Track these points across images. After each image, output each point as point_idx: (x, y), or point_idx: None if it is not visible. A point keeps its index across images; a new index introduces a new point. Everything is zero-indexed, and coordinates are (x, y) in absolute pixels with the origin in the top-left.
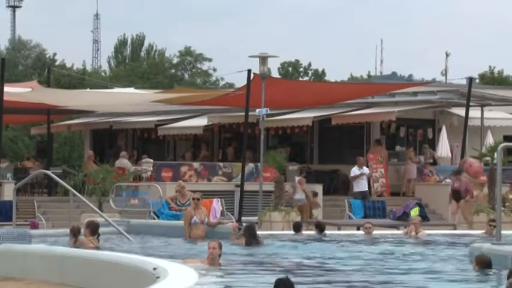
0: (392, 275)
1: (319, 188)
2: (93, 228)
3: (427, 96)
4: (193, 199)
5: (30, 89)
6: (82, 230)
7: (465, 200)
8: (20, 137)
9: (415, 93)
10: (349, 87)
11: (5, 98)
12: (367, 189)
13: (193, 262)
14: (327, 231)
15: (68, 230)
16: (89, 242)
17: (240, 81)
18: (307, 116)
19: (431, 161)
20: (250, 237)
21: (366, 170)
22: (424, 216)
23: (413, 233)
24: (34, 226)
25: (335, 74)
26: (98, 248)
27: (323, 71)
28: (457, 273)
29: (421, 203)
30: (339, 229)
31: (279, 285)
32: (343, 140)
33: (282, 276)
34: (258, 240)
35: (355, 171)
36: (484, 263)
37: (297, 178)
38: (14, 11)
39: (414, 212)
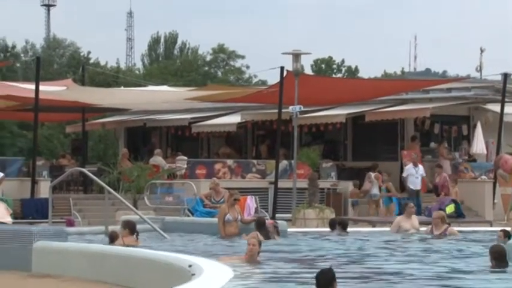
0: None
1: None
2: (131, 227)
3: (461, 92)
4: (234, 199)
5: (65, 88)
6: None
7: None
8: (55, 135)
9: (449, 90)
10: (383, 83)
11: (41, 96)
12: (420, 187)
13: (229, 259)
14: (361, 229)
15: (103, 228)
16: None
17: (273, 79)
18: (340, 112)
19: (466, 157)
20: (261, 231)
21: (421, 169)
22: (459, 213)
23: (436, 231)
24: (70, 224)
25: (368, 70)
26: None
27: (356, 67)
28: (471, 269)
29: (456, 200)
30: (374, 226)
31: (319, 276)
32: (376, 137)
33: (324, 268)
34: (269, 236)
35: (410, 169)
36: (496, 253)
37: (372, 174)
38: (49, 10)
39: (450, 208)
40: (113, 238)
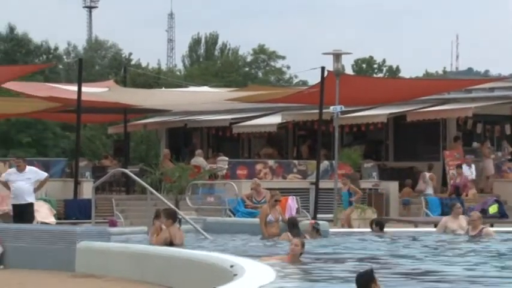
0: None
1: (394, 186)
2: (173, 216)
3: (504, 91)
4: (275, 200)
5: (107, 89)
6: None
7: None
8: (97, 136)
9: (491, 89)
10: (424, 83)
11: (83, 97)
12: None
13: (271, 259)
14: (403, 229)
15: (145, 228)
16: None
17: (314, 79)
18: (382, 112)
19: (509, 157)
20: (292, 231)
21: (474, 169)
22: (503, 214)
23: (472, 231)
24: (112, 224)
25: (410, 70)
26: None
27: (397, 67)
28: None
29: (499, 200)
30: (416, 226)
31: (359, 277)
32: (418, 137)
33: (365, 269)
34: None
35: (466, 170)
36: None
37: (427, 174)
38: (91, 12)
39: (493, 209)
40: (157, 215)
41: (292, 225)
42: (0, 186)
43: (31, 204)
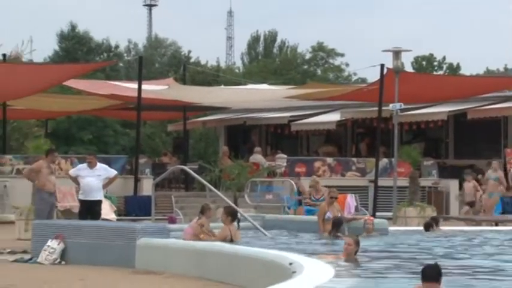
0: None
1: (454, 184)
2: (233, 214)
3: None
4: (331, 197)
5: (166, 86)
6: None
7: None
8: (157, 133)
9: None
10: (485, 80)
11: (143, 95)
12: None
13: (329, 257)
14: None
15: None
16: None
17: (373, 76)
18: (442, 110)
19: None
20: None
21: None
22: None
23: None
24: (172, 221)
25: (470, 67)
26: (236, 237)
27: (458, 64)
28: None
29: None
30: (479, 225)
31: (426, 270)
32: (479, 135)
33: (431, 263)
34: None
35: None
36: None
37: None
38: (150, 10)
39: None
40: (203, 210)
41: (336, 226)
42: (60, 182)
43: (99, 202)
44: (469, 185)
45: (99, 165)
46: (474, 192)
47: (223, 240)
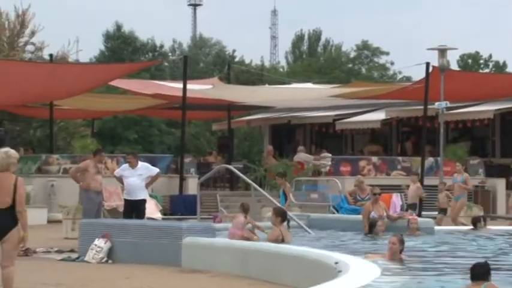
0: None
1: (501, 183)
2: (283, 215)
3: None
4: (374, 194)
5: (211, 86)
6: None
7: None
8: (201, 132)
9: None
10: None
11: (188, 94)
12: None
13: (374, 257)
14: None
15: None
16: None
17: (418, 75)
18: (488, 108)
19: None
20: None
21: None
22: None
23: None
24: (217, 220)
25: None
26: (287, 237)
27: (504, 62)
28: None
29: None
30: None
31: (475, 267)
32: None
33: (480, 261)
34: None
35: None
36: None
37: None
38: (195, 9)
39: None
40: (244, 209)
41: (370, 226)
42: (107, 181)
43: (143, 201)
44: None
45: (141, 164)
46: None
47: (275, 241)
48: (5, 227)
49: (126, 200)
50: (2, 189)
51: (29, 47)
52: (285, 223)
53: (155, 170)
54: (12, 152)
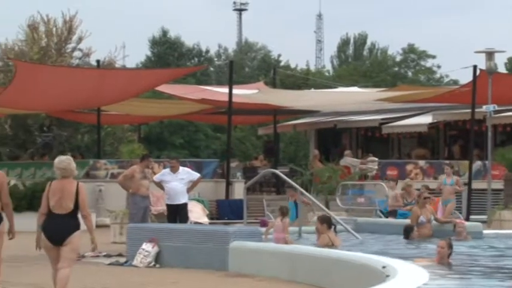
0: None
1: None
2: (328, 221)
3: None
4: (425, 198)
5: (257, 91)
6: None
7: None
8: (247, 137)
9: None
10: None
11: (234, 99)
12: None
13: (422, 261)
14: None
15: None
16: (326, 237)
17: (465, 78)
18: None
19: None
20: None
21: None
22: None
23: None
24: (264, 224)
25: None
26: (336, 242)
27: None
28: None
29: None
30: None
31: None
32: None
33: None
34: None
35: None
36: None
37: None
38: (240, 14)
39: None
40: (282, 213)
41: (406, 232)
42: (154, 187)
43: (185, 205)
44: None
45: (182, 169)
46: None
47: (325, 247)
48: (67, 231)
49: (168, 205)
50: (64, 195)
51: (77, 53)
52: (332, 229)
53: (196, 175)
54: (66, 157)
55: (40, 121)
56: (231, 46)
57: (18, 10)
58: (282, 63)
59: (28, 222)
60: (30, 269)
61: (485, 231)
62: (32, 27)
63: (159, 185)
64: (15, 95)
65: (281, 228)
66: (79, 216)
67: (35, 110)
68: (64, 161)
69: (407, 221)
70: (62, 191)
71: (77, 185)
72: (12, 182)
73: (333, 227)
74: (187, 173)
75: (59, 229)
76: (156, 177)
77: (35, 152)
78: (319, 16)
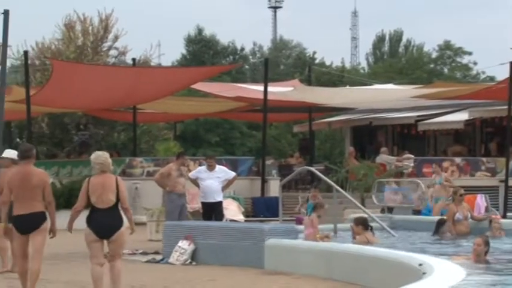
0: None
1: None
2: (365, 223)
3: None
4: (460, 195)
5: (292, 88)
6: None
7: None
8: (283, 134)
9: None
10: None
11: (269, 97)
12: None
13: (459, 259)
14: None
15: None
16: (364, 238)
17: (502, 74)
18: None
19: None
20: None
21: None
22: None
23: None
24: (299, 222)
25: None
26: (374, 242)
27: None
28: None
29: None
30: None
31: None
32: None
33: None
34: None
35: None
36: None
37: None
38: (275, 12)
39: None
40: (314, 207)
41: (438, 226)
42: (189, 184)
43: (220, 203)
44: None
45: (218, 167)
46: None
47: None
48: (114, 226)
49: (203, 203)
50: (106, 189)
51: (112, 52)
52: (369, 229)
53: (232, 174)
54: (103, 153)
55: (77, 119)
56: (266, 44)
57: (55, 9)
58: (317, 61)
59: (65, 221)
60: (67, 266)
61: None
62: (69, 26)
63: (194, 181)
64: (52, 93)
65: (310, 224)
66: (120, 209)
67: (72, 109)
68: (101, 155)
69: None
70: (102, 186)
71: (116, 179)
72: (50, 181)
73: (369, 227)
74: (223, 172)
75: (105, 223)
76: (191, 174)
77: (72, 150)
78: (355, 13)
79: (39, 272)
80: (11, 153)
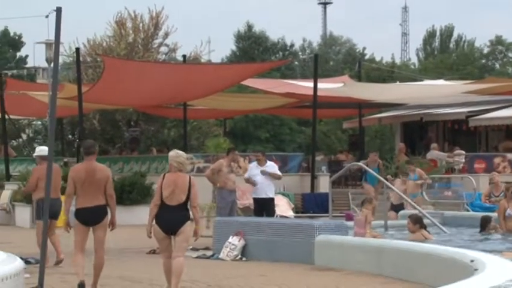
0: None
1: None
2: (421, 221)
3: None
4: (508, 190)
5: (342, 84)
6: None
7: None
8: (332, 130)
9: None
10: None
11: (318, 93)
12: None
13: (511, 255)
14: None
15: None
16: (420, 235)
17: None
18: None
19: None
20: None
21: None
22: None
23: None
24: (349, 218)
25: None
26: (430, 239)
27: None
28: None
29: None
30: None
31: None
32: None
33: None
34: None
35: None
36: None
37: None
38: (325, 8)
39: None
40: (485, 223)
41: (483, 224)
42: (239, 180)
43: (272, 200)
44: None
45: (269, 163)
46: None
47: None
48: (180, 221)
49: (254, 199)
50: (178, 188)
51: (163, 49)
52: (425, 228)
53: (279, 173)
54: (182, 153)
55: (128, 116)
56: (316, 40)
57: (106, 6)
58: (367, 57)
59: (117, 216)
60: (118, 261)
61: None
62: (120, 23)
63: (250, 181)
64: (103, 90)
65: (362, 224)
66: (188, 207)
67: (123, 105)
68: (181, 155)
69: (494, 215)
70: (175, 184)
71: (190, 178)
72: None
73: (425, 225)
74: (273, 168)
75: (172, 220)
76: (246, 176)
77: (123, 146)
78: (405, 9)
79: (103, 264)
80: (42, 151)
